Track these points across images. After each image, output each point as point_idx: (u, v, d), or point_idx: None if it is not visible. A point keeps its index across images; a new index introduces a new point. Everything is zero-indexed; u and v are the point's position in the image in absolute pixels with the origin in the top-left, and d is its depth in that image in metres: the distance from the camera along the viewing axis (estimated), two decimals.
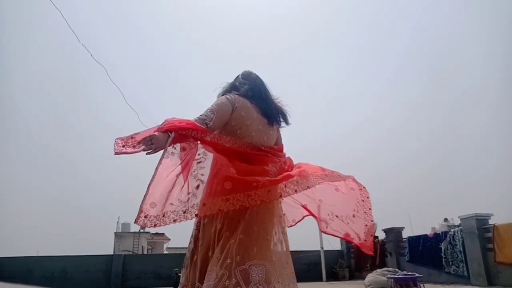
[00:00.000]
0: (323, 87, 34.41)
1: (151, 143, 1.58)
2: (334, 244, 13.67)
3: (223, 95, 2.05)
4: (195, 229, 1.81)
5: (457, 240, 8.18)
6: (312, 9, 34.03)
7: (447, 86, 29.00)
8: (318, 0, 34.99)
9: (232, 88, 2.11)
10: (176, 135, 1.65)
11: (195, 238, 1.78)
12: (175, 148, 1.72)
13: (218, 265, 1.55)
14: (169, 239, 26.44)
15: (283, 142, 2.15)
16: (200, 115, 1.81)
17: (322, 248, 12.22)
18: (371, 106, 32.26)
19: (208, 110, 1.84)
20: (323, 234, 12.17)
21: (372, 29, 33.32)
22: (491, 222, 7.67)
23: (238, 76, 2.16)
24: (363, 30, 33.44)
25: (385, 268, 8.44)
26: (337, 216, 2.08)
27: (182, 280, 1.76)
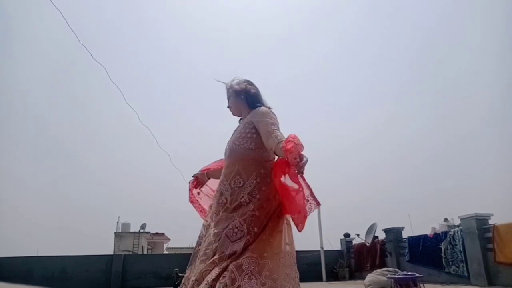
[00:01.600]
0: (334, 94, 34.61)
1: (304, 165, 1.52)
2: (334, 244, 13.71)
3: (234, 93, 2.03)
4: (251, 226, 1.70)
5: (457, 240, 8.17)
6: (324, 19, 34.15)
7: (448, 88, 29.02)
8: (330, 10, 34.99)
9: (238, 93, 2.05)
10: None
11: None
12: None
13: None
14: (169, 239, 26.46)
15: None
16: (279, 134, 1.74)
17: (322, 248, 12.22)
18: (375, 112, 32.26)
19: (278, 127, 1.81)
20: (323, 234, 12.06)
21: (383, 37, 33.30)
22: (491, 222, 7.67)
23: (246, 81, 2.08)
24: (375, 38, 33.42)
25: (385, 268, 8.44)
26: None
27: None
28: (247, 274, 1.53)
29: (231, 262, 1.56)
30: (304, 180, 1.73)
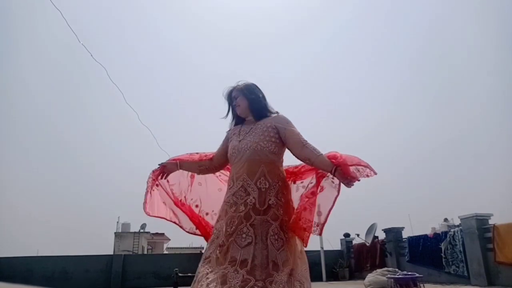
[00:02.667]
0: (334, 94, 34.59)
1: None
2: (334, 244, 13.71)
3: (259, 100, 2.04)
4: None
5: (457, 240, 8.17)
6: (325, 19, 34.10)
7: (447, 87, 29.00)
8: (329, 8, 35.00)
9: (262, 98, 2.08)
10: None
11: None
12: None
13: None
14: (169, 239, 26.44)
15: None
16: (314, 146, 1.89)
17: (322, 248, 12.21)
18: (375, 112, 32.26)
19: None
20: (323, 234, 12.34)
21: (383, 37, 33.31)
22: (491, 222, 7.67)
23: (255, 85, 2.09)
24: (375, 38, 33.46)
25: (385, 268, 8.44)
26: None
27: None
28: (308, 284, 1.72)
29: (292, 274, 1.67)
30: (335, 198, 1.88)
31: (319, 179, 1.93)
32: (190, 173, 2.28)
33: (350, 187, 1.73)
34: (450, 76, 29.83)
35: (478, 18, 28.32)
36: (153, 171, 2.15)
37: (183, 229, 2.20)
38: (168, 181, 2.23)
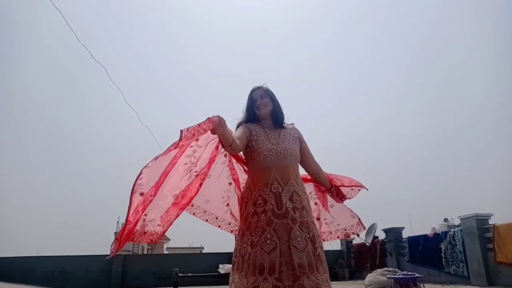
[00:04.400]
0: (333, 94, 34.58)
1: None
2: (334, 244, 13.70)
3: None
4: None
5: (457, 240, 8.17)
6: (323, 15, 34.09)
7: (447, 87, 29.01)
8: (329, 8, 35.03)
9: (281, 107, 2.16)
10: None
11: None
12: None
13: None
14: (169, 239, 26.44)
15: None
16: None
17: (322, 248, 12.21)
18: (374, 111, 32.27)
19: None
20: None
21: (382, 34, 33.33)
22: (491, 222, 7.66)
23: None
24: (372, 36, 33.48)
25: (385, 268, 8.43)
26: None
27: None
28: None
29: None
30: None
31: (320, 192, 2.25)
32: (215, 144, 1.95)
33: (341, 202, 2.23)
34: (449, 75, 29.87)
35: (476, 17, 28.36)
36: (209, 119, 1.58)
37: (133, 191, 1.67)
38: (198, 139, 1.80)
